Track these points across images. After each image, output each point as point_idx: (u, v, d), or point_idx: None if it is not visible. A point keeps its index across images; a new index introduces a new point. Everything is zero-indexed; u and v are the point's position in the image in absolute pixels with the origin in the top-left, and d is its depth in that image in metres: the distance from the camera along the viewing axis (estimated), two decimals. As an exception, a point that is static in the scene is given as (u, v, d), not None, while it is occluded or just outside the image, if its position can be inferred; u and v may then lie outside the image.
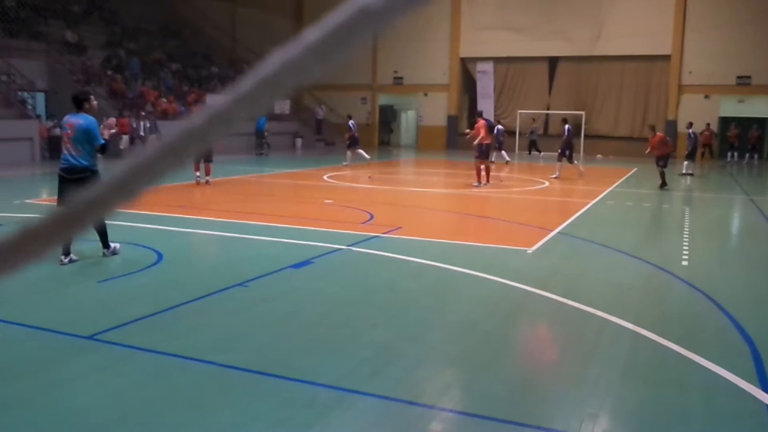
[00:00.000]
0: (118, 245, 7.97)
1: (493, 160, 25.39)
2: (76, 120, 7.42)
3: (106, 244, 7.81)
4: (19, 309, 5.83)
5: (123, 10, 32.83)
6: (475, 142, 16.42)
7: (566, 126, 20.29)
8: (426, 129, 36.00)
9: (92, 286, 6.62)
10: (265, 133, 28.06)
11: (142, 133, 24.69)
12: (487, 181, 16.76)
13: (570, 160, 19.30)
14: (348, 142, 22.41)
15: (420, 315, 5.95)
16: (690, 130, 21.67)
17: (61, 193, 7.45)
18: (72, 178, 7.31)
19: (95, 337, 5.08)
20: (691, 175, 20.68)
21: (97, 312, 5.78)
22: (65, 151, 7.43)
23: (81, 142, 7.35)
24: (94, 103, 7.81)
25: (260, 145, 27.80)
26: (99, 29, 30.35)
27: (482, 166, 16.67)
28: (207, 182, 16.01)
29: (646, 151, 17.89)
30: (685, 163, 21.19)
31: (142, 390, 4.21)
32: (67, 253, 7.45)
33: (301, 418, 3.83)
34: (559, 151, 19.70)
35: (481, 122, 16.69)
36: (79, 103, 7.54)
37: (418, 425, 3.84)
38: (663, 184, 16.67)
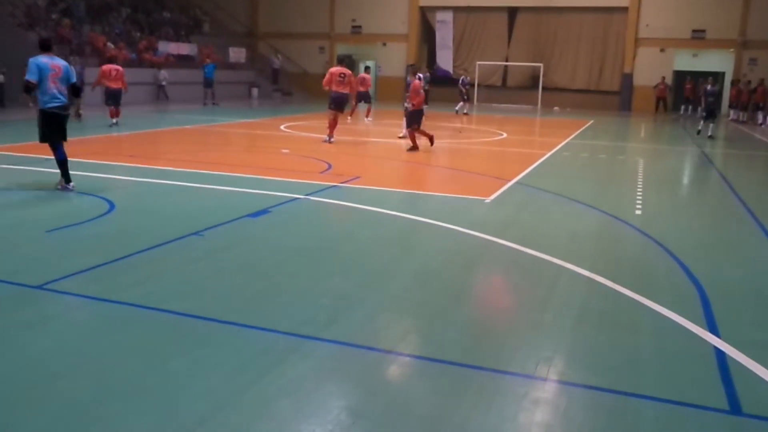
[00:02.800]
0: (73, 185, 8.49)
1: (458, 110, 25.43)
2: (59, 62, 8.34)
3: (68, 177, 8.48)
4: (-37, 259, 5.63)
5: (68, -50, 31.23)
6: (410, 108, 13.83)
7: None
8: (385, 79, 35.60)
9: (40, 236, 6.42)
10: (213, 84, 26.92)
11: (163, 83, 24.79)
12: (413, 145, 13.90)
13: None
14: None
15: (378, 263, 5.94)
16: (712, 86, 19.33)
17: (61, 128, 8.47)
18: (65, 114, 8.48)
19: (44, 286, 4.94)
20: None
21: (45, 261, 5.61)
22: (54, 90, 8.23)
23: (63, 81, 8.31)
24: None
25: (206, 95, 26.80)
26: (42, -30, 28.86)
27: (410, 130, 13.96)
28: (115, 124, 16.69)
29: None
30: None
31: (94, 339, 4.12)
32: (69, 180, 8.46)
33: (259, 365, 3.80)
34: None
35: (416, 83, 14.10)
36: (50, 47, 8.41)
37: (376, 370, 3.86)
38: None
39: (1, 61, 22.64)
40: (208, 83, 26.67)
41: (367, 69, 23.03)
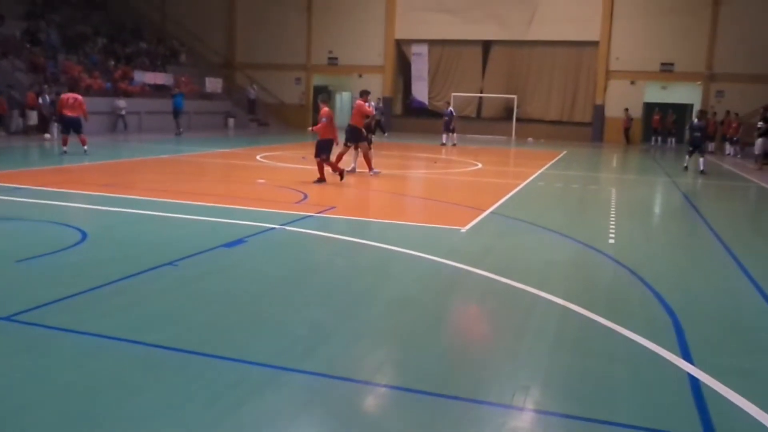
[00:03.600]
0: None
1: (445, 143, 25.65)
2: None
3: None
4: (-71, 290, 5.50)
5: (43, -20, 31.24)
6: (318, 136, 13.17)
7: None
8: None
9: (10, 266, 6.30)
10: (181, 114, 26.52)
11: (45, 110, 23.45)
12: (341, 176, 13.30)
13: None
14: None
15: (354, 293, 5.92)
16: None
17: None
18: None
19: (13, 318, 4.83)
20: None
21: (15, 292, 5.50)
22: None
23: None
24: None
25: (177, 125, 26.37)
26: (18, -1, 28.82)
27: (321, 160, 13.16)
28: (85, 152, 16.50)
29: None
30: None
31: (65, 371, 4.03)
32: None
33: (233, 397, 3.75)
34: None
35: (325, 110, 13.27)
36: None
37: (353, 402, 3.82)
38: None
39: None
40: (176, 113, 26.32)
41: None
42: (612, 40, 31.62)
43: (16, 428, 3.34)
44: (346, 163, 14.73)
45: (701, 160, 18.17)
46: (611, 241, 8.51)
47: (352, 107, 24.26)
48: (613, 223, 9.83)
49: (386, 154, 22.33)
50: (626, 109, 31.34)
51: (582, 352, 4.65)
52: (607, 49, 31.73)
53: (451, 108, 26.88)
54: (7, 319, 4.82)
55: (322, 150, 13.05)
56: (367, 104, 14.79)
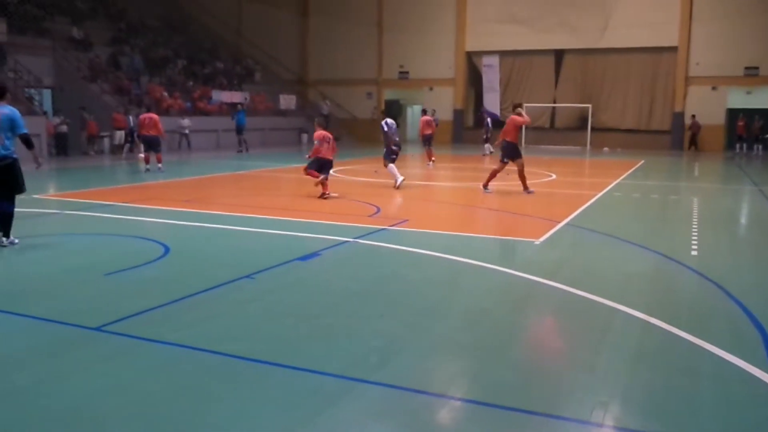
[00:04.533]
0: (17, 240, 8.09)
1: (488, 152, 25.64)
2: (1, 110, 7.77)
3: (7, 233, 8.00)
4: (26, 301, 5.84)
5: (128, 6, 32.86)
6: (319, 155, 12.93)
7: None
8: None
9: (99, 279, 6.62)
10: (244, 131, 26.54)
11: (186, 130, 25.02)
12: (324, 192, 12.79)
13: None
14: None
15: (428, 305, 5.92)
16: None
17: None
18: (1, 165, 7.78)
19: (102, 328, 5.07)
20: None
21: (103, 304, 5.78)
22: None
23: (5, 131, 7.74)
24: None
25: (240, 141, 26.40)
26: (104, 26, 30.39)
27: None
28: (159, 169, 17.37)
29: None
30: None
31: (148, 380, 4.20)
32: (6, 235, 7.95)
33: (309, 407, 3.81)
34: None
35: (318, 133, 13.20)
36: (2, 94, 7.92)
37: (426, 414, 3.82)
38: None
39: (66, 113, 23.75)
40: (239, 130, 26.26)
41: (424, 112, 23.22)
42: (691, 45, 30.59)
43: (105, 433, 3.50)
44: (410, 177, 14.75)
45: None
46: (694, 253, 8.19)
47: (420, 120, 24.50)
48: (695, 234, 9.46)
49: (458, 166, 22.26)
50: (693, 116, 30.21)
51: (664, 367, 4.49)
52: (686, 55, 30.70)
53: (488, 119, 26.93)
54: (97, 329, 5.06)
55: (317, 167, 12.82)
56: (520, 116, 14.07)
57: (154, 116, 17.73)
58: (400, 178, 14.56)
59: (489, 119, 27.05)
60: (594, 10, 31.66)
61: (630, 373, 4.39)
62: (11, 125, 7.78)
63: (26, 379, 4.18)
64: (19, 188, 8.07)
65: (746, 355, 4.62)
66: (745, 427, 3.66)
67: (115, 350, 4.70)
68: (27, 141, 8.02)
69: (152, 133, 17.44)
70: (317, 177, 12.89)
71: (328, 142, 13.12)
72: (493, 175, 14.11)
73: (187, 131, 26.44)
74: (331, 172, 13.49)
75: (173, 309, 5.62)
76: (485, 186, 14.01)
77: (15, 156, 7.90)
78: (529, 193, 13.90)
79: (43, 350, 4.69)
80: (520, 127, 14.15)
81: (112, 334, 4.96)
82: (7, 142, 7.78)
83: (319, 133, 13.20)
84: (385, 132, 15.03)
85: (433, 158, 21.23)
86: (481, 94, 35.24)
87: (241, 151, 26.11)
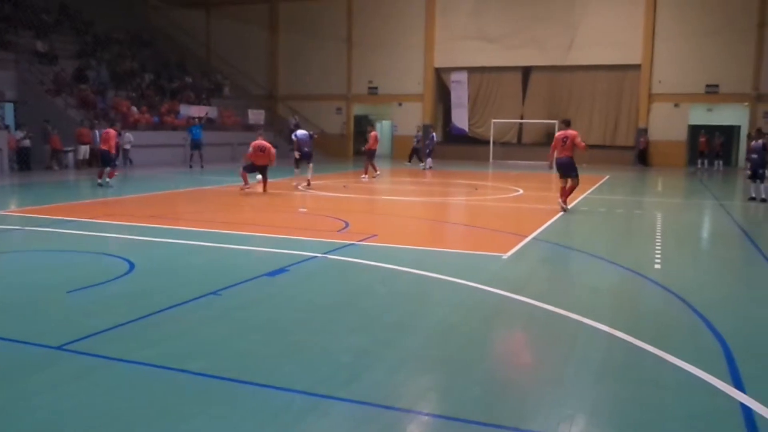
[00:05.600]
0: None
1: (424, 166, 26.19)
2: None
3: None
4: (-15, 320, 5.70)
5: (95, 19, 32.52)
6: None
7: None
8: (401, 139, 36.07)
9: (61, 296, 6.49)
10: (202, 146, 25.40)
11: (127, 146, 24.20)
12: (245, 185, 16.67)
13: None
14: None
15: (397, 320, 5.92)
16: (759, 141, 16.63)
17: None
18: None
19: (64, 347, 4.97)
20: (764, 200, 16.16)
21: (66, 322, 5.66)
22: None
23: None
24: None
25: (192, 157, 25.33)
26: (70, 39, 30.02)
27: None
28: (108, 184, 17.30)
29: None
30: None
31: (114, 400, 4.12)
32: None
33: (278, 425, 3.77)
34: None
35: (253, 143, 16.36)
36: None
37: (395, 430, 3.81)
38: None
39: (29, 127, 23.33)
40: (195, 145, 25.12)
41: (373, 127, 23.76)
42: (654, 63, 31.30)
43: (67, 455, 3.42)
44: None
45: (763, 186, 16.13)
46: (657, 266, 8.34)
47: (392, 135, 24.52)
48: (659, 248, 9.64)
49: (426, 181, 22.39)
50: (644, 130, 31.06)
51: (629, 380, 4.55)
52: (650, 72, 31.40)
53: (433, 134, 27.83)
54: (59, 348, 4.95)
55: (250, 168, 16.48)
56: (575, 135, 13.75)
57: (111, 131, 17.60)
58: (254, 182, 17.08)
59: (434, 134, 27.70)
60: (561, 28, 32.24)
61: (596, 386, 4.44)
62: None
63: (-15, 400, 4.07)
64: None
65: (709, 367, 4.70)
66: (707, 438, 3.72)
67: (79, 370, 4.61)
68: None
69: (103, 147, 17.41)
70: (246, 179, 16.40)
71: (263, 151, 16.22)
72: (565, 193, 13.76)
73: (128, 146, 24.52)
74: (299, 187, 13.57)
75: (139, 326, 5.54)
76: (565, 203, 13.74)
77: None
78: (564, 208, 13.67)
79: (2, 370, 4.57)
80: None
81: (76, 354, 4.86)
82: None
83: (254, 143, 16.33)
84: (294, 141, 18.32)
85: (377, 172, 22.00)
86: (449, 110, 35.55)
87: (192, 167, 25.00)
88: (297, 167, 18.79)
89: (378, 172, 22.08)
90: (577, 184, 13.89)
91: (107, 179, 17.35)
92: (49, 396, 4.15)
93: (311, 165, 18.63)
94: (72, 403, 4.06)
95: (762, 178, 16.24)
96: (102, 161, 17.66)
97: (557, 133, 14.04)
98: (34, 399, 4.10)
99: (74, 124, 24.06)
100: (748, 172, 16.66)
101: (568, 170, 13.68)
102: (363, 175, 21.82)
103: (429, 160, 26.90)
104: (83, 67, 27.71)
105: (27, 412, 3.91)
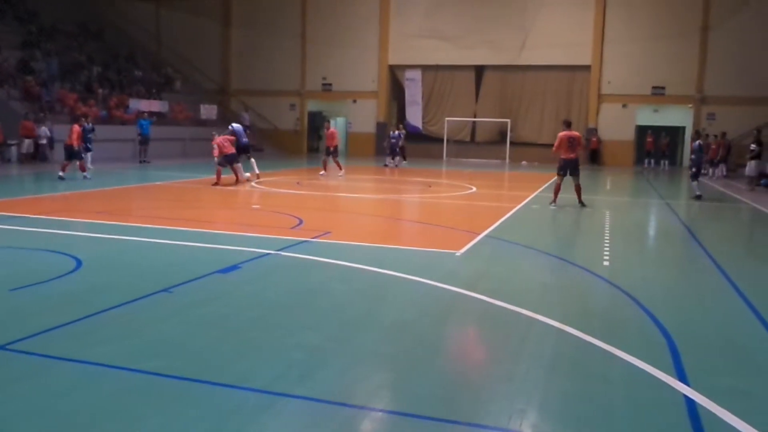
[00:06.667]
0: None
1: (387, 164, 26.23)
2: None
3: None
4: (-76, 319, 5.48)
5: (40, 9, 31.53)
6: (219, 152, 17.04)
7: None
8: (355, 136, 36.08)
9: (4, 294, 6.29)
10: (149, 139, 25.26)
11: (43, 140, 23.39)
12: (236, 182, 17.43)
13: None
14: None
15: (351, 317, 5.93)
16: (696, 142, 17.70)
17: None
18: None
19: (8, 347, 4.82)
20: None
21: (9, 321, 5.49)
22: None
23: None
24: None
25: (140, 152, 25.23)
26: (14, 28, 29.04)
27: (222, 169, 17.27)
28: (84, 177, 17.78)
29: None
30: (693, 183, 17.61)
31: (63, 401, 4.02)
32: None
33: (232, 424, 3.74)
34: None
35: (217, 139, 17.21)
36: None
37: (350, 427, 3.82)
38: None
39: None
40: (144, 140, 25.04)
41: (329, 124, 22.86)
42: (603, 65, 32.02)
43: (12, 458, 3.32)
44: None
45: (695, 184, 17.32)
46: (606, 263, 8.55)
47: (347, 132, 24.26)
48: (607, 245, 9.87)
49: (380, 178, 22.44)
50: (594, 129, 31.79)
51: (578, 374, 4.66)
52: (599, 73, 32.12)
53: (398, 132, 27.66)
54: (2, 348, 4.80)
55: (226, 162, 17.13)
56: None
57: (74, 126, 18.22)
58: (247, 175, 18.08)
59: (399, 132, 27.55)
60: (514, 28, 32.68)
61: (546, 380, 4.53)
62: None
63: (-76, 403, 3.92)
64: None
65: (655, 362, 4.85)
66: (654, 429, 3.83)
67: (24, 370, 4.48)
68: None
69: (68, 142, 17.85)
70: (219, 174, 17.03)
71: (230, 142, 17.27)
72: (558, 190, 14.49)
73: (44, 141, 23.40)
74: (252, 183, 13.52)
75: (87, 325, 5.41)
76: (581, 202, 14.52)
77: None
78: (583, 206, 14.37)
79: (-56, 371, 4.41)
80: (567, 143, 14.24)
81: (20, 353, 4.73)
82: None
83: (218, 138, 17.25)
84: (233, 133, 18.07)
85: (340, 171, 21.65)
86: (404, 108, 35.69)
87: (142, 161, 24.93)
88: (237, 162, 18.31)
89: (342, 172, 21.50)
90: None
91: (82, 172, 17.84)
92: (-8, 397, 4.03)
93: (252, 159, 18.86)
94: (18, 404, 3.95)
95: (695, 177, 17.30)
96: (66, 155, 17.85)
97: (561, 134, 14.44)
98: (-23, 401, 3.97)
99: (17, 116, 23.30)
100: (693, 170, 17.55)
101: (575, 170, 14.38)
102: (321, 171, 21.77)
103: (398, 158, 26.99)
104: (27, 59, 26.85)
105: (-31, 415, 3.79)
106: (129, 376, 4.38)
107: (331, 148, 21.62)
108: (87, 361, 4.58)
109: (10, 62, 25.77)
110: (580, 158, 14.54)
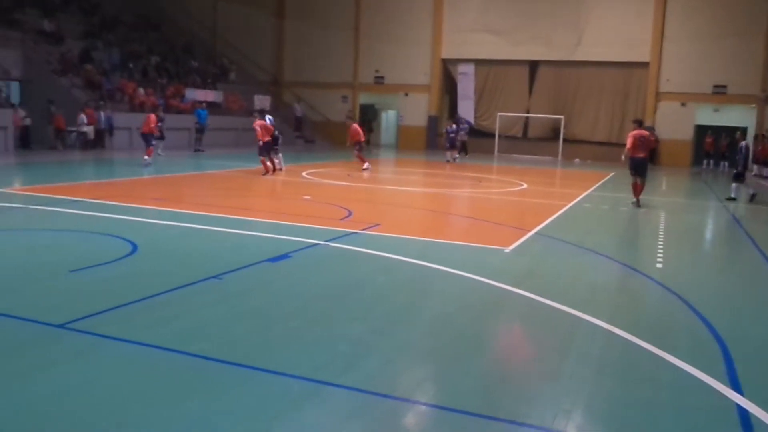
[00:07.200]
0: None
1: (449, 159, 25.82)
2: None
3: None
4: (-12, 296, 5.73)
5: (103, 1, 32.40)
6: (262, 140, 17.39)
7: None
8: (406, 129, 36.02)
9: (64, 276, 6.52)
10: (205, 128, 25.78)
11: (102, 126, 24.23)
12: (273, 171, 17.67)
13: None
14: None
15: (396, 310, 5.94)
16: (742, 143, 17.28)
17: None
18: None
19: (67, 325, 5.00)
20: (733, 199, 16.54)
21: (69, 301, 5.70)
22: None
23: None
24: None
25: (198, 140, 25.76)
26: (77, 19, 29.92)
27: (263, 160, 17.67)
28: (145, 161, 18.50)
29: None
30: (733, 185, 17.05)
31: (113, 378, 4.15)
32: None
33: (274, 410, 3.80)
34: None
35: (257, 122, 17.77)
36: None
37: (392, 418, 3.84)
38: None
39: (34, 106, 23.32)
40: (200, 129, 25.61)
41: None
42: (662, 62, 31.16)
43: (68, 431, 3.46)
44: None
45: (733, 186, 16.69)
46: (659, 265, 8.35)
47: (398, 125, 24.09)
48: (661, 247, 9.64)
49: (430, 172, 22.37)
50: (651, 128, 30.89)
51: (626, 377, 4.57)
52: (657, 71, 31.26)
53: (455, 125, 27.08)
54: (61, 326, 4.99)
55: (263, 151, 17.55)
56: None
57: (150, 116, 19.21)
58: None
59: (450, 125, 27.14)
60: (568, 24, 32.08)
61: (592, 382, 4.46)
62: None
63: (-14, 376, 4.11)
64: None
65: (706, 368, 4.72)
66: (702, 436, 3.74)
67: (80, 348, 4.64)
68: None
69: (144, 131, 18.95)
70: (267, 168, 17.49)
71: (264, 128, 17.60)
72: (637, 189, 14.33)
73: (84, 129, 23.59)
74: (303, 174, 13.63)
75: (140, 307, 5.57)
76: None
77: None
78: (635, 203, 14.24)
79: (6, 347, 4.61)
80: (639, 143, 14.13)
81: (78, 332, 4.90)
82: None
83: (258, 122, 17.82)
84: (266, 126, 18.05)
85: (364, 164, 20.68)
86: (455, 102, 35.47)
87: (197, 150, 25.38)
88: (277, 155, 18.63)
89: (367, 165, 20.58)
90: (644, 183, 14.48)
91: (147, 158, 18.57)
92: (49, 372, 4.19)
93: (280, 153, 19.11)
94: (72, 380, 4.09)
95: (737, 178, 16.77)
96: (147, 141, 18.95)
97: (633, 132, 14.31)
98: (35, 374, 4.14)
99: (79, 104, 24.04)
100: (736, 170, 17.08)
101: (644, 170, 14.25)
102: (365, 165, 20.96)
103: (453, 152, 26.35)
104: (89, 48, 27.65)
105: (27, 387, 3.95)
106: (176, 358, 4.49)
107: (357, 143, 20.96)
108: (137, 342, 4.72)
109: (73, 52, 26.58)
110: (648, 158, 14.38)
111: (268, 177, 16.99)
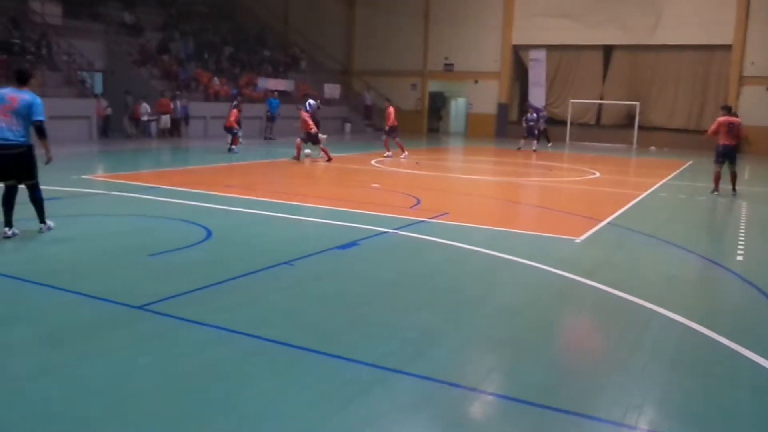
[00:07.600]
0: (52, 223, 7.86)
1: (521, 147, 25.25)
2: (21, 95, 7.35)
3: (42, 219, 7.78)
4: (71, 278, 6.04)
5: (179, -8, 33.34)
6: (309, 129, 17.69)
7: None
8: (476, 116, 35.65)
9: (143, 260, 6.79)
10: (276, 117, 26.31)
11: (178, 115, 25.03)
12: (328, 159, 17.78)
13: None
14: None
15: (465, 299, 5.93)
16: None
17: (3, 168, 7.36)
18: (8, 153, 7.28)
19: (144, 307, 5.22)
20: None
21: (147, 284, 5.93)
22: (1, 124, 7.23)
23: (22, 117, 7.30)
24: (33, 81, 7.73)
25: (269, 128, 26.39)
26: (155, 11, 30.88)
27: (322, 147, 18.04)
28: (231, 149, 19.51)
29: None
30: None
31: (187, 360, 4.31)
32: (9, 226, 7.50)
33: (342, 395, 3.86)
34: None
35: (303, 114, 18.00)
36: (25, 79, 7.50)
37: (459, 407, 3.84)
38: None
39: (114, 96, 24.26)
40: (271, 117, 26.37)
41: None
42: (747, 44, 29.69)
43: (142, 409, 3.61)
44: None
45: None
46: (739, 258, 8.00)
47: (467, 112, 23.65)
48: (742, 239, 9.24)
49: (500, 160, 22.11)
50: (735, 114, 29.37)
51: (702, 373, 4.42)
52: (741, 54, 29.80)
53: (535, 114, 26.43)
54: (140, 308, 5.20)
55: (311, 139, 17.99)
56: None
57: (233, 110, 20.08)
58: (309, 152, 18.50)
59: (531, 114, 26.53)
60: (645, 5, 30.93)
61: (666, 377, 4.34)
62: (28, 112, 7.29)
63: (68, 354, 4.33)
64: (29, 176, 7.53)
65: (789, 365, 4.52)
66: (784, 437, 3.59)
67: (156, 329, 4.84)
68: (40, 129, 7.39)
69: (227, 124, 19.87)
70: (299, 148, 17.96)
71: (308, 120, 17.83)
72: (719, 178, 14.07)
73: (146, 118, 24.20)
74: (372, 162, 13.66)
75: (213, 292, 5.75)
76: (734, 190, 14.06)
77: (29, 143, 7.46)
78: (715, 192, 13.96)
79: (86, 326, 4.85)
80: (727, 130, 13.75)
81: (154, 314, 5.10)
82: (22, 129, 7.33)
83: (303, 114, 18.05)
84: (309, 119, 18.05)
85: (387, 153, 20.39)
86: (526, 89, 34.85)
87: (267, 138, 26.09)
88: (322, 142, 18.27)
89: (388, 153, 20.29)
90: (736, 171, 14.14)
91: (232, 146, 19.47)
92: (126, 351, 4.39)
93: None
94: (147, 359, 4.27)
95: None
96: (231, 133, 19.85)
97: (720, 119, 13.86)
98: (113, 353, 4.34)
99: (156, 94, 24.87)
100: None
101: (733, 158, 13.96)
102: (386, 153, 20.41)
103: (535, 141, 25.68)
104: (167, 39, 28.53)
105: (103, 366, 4.15)
106: (247, 341, 4.62)
107: (392, 128, 20.56)
108: (210, 325, 4.88)
109: (151, 44, 27.49)
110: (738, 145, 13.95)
111: (324, 163, 17.12)
